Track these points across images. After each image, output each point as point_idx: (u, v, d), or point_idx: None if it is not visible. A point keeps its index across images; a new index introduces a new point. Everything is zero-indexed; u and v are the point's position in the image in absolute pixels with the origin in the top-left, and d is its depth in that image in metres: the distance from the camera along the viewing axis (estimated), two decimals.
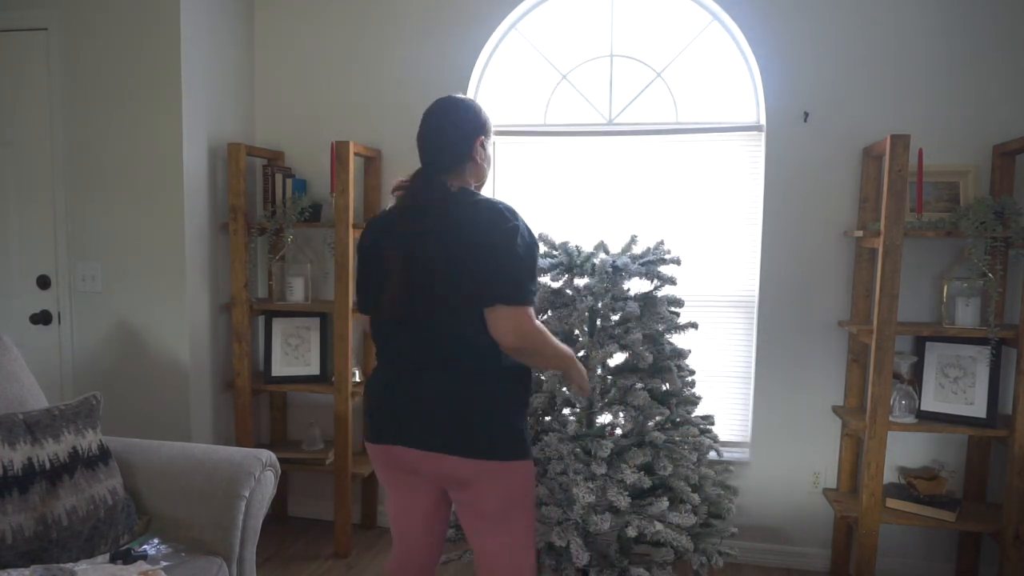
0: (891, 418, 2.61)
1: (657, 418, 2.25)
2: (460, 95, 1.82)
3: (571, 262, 2.35)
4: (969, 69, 2.71)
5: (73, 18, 2.84)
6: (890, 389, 2.50)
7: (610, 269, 2.28)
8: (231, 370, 3.18)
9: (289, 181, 3.10)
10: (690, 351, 2.38)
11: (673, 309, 2.37)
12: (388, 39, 3.16)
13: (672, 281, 2.32)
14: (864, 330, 2.59)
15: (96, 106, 2.86)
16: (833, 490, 2.91)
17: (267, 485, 2.14)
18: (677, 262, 2.33)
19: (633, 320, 2.29)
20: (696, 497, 2.21)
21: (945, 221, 2.58)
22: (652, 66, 3.03)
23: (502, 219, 1.64)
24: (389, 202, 2.04)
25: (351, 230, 2.87)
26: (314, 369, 3.18)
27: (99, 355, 2.96)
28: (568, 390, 2.25)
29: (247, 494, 2.05)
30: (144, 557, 1.89)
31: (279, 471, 2.20)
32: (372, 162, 3.16)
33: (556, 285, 2.40)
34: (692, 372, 2.42)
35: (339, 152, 2.83)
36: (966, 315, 2.59)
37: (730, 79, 2.98)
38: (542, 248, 2.40)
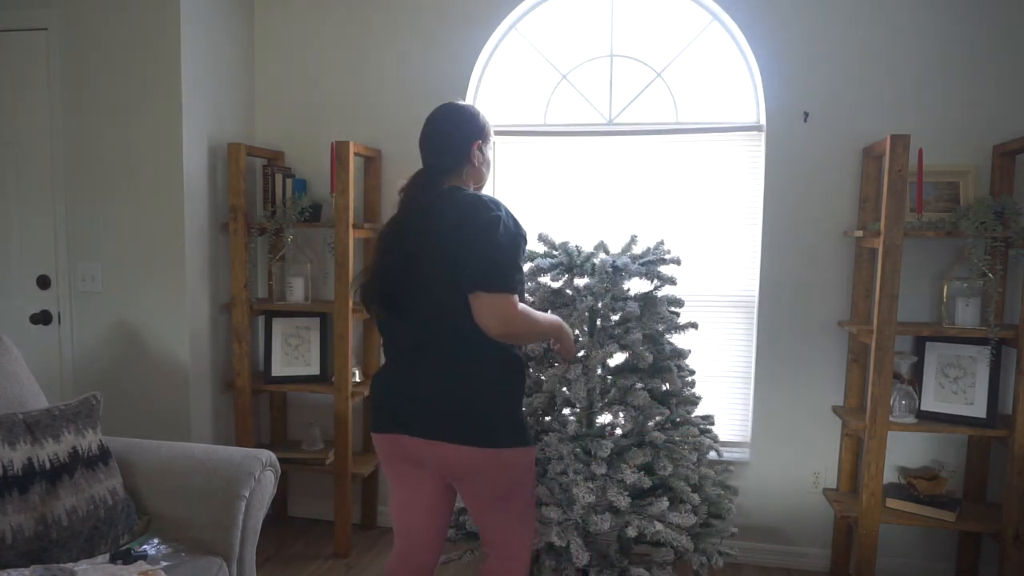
0: (891, 418, 2.61)
1: (657, 418, 2.25)
2: (460, 101, 1.91)
3: (571, 262, 2.35)
4: (969, 69, 2.71)
5: (73, 18, 2.84)
6: (890, 389, 2.50)
7: (610, 269, 2.28)
8: (231, 370, 3.18)
9: (289, 181, 3.10)
10: (690, 351, 2.38)
11: (673, 309, 2.37)
12: (388, 39, 3.16)
13: (672, 281, 2.31)
14: (864, 330, 2.59)
15: (96, 106, 2.86)
16: (833, 490, 2.91)
17: (267, 485, 2.14)
18: (677, 262, 2.33)
19: (633, 320, 2.29)
20: (696, 497, 2.21)
21: (945, 221, 2.58)
22: (652, 66, 3.03)
23: (484, 209, 1.71)
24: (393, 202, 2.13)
25: (351, 230, 2.87)
26: (314, 369, 3.18)
27: (99, 355, 2.96)
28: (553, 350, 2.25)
29: (247, 494, 2.05)
30: (144, 557, 1.89)
31: (279, 471, 2.20)
32: (372, 162, 3.16)
33: (556, 285, 2.40)
34: (692, 372, 2.41)
35: (339, 152, 2.83)
36: (966, 315, 2.59)
37: (730, 79, 2.98)
38: (542, 248, 2.41)
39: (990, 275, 2.57)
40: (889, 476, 2.86)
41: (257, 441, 3.37)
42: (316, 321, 3.20)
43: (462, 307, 1.69)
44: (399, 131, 3.17)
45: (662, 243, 2.39)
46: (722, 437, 3.00)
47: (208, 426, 3.05)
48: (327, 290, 3.29)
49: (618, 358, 2.34)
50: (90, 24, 2.84)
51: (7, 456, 1.82)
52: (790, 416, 2.95)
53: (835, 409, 2.86)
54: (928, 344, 2.71)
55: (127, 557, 1.87)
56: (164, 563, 1.88)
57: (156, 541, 1.98)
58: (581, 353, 2.26)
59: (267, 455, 2.14)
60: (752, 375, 2.99)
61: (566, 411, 2.34)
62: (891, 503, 2.65)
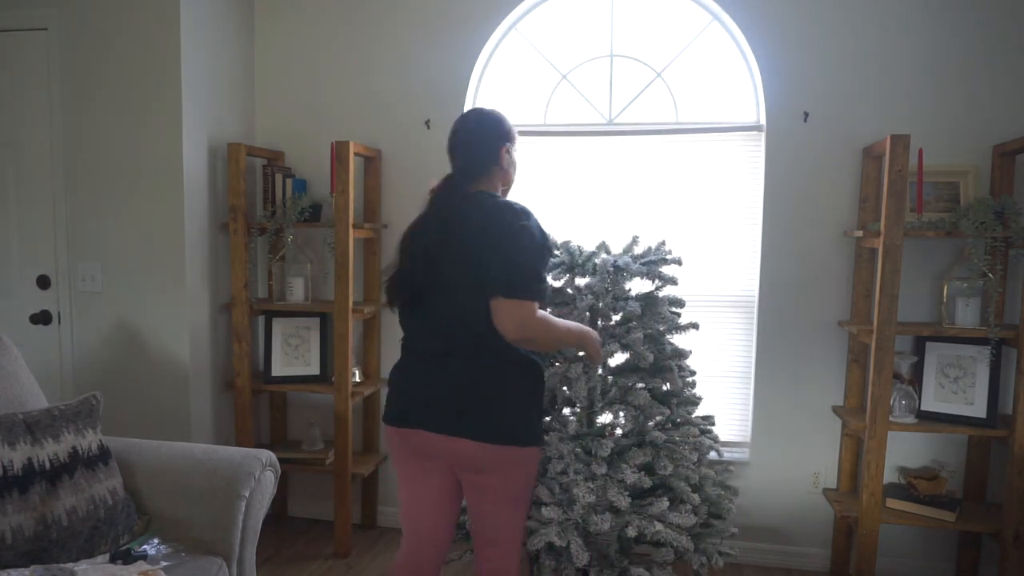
0: (891, 418, 2.61)
1: (658, 418, 2.25)
2: (486, 107, 1.97)
3: (572, 261, 2.35)
4: (969, 69, 2.71)
5: (73, 18, 2.84)
6: (890, 389, 2.50)
7: (611, 269, 2.28)
8: (231, 370, 3.18)
9: (289, 181, 3.10)
10: (691, 351, 2.38)
11: (674, 309, 2.37)
12: (388, 39, 3.16)
13: (673, 281, 2.32)
14: (864, 330, 2.59)
15: (96, 106, 2.86)
16: (833, 490, 2.91)
17: (267, 485, 2.14)
18: (678, 262, 2.33)
19: (634, 320, 2.29)
20: (696, 497, 2.21)
21: (945, 221, 2.58)
22: (652, 66, 3.03)
23: (512, 216, 1.76)
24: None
25: (351, 230, 2.87)
26: (314, 369, 3.18)
27: (99, 355, 2.95)
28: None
29: (247, 494, 2.05)
30: (144, 557, 1.89)
31: (279, 471, 2.20)
32: (372, 162, 3.16)
33: (557, 284, 2.40)
34: (693, 372, 2.41)
35: (339, 152, 2.83)
36: (966, 315, 2.59)
37: (730, 79, 2.98)
38: None
39: (990, 275, 2.57)
40: (889, 476, 2.86)
41: (257, 441, 3.36)
42: (316, 321, 3.20)
43: (483, 309, 1.73)
44: (399, 131, 3.17)
45: (663, 243, 2.39)
46: (722, 437, 3.00)
47: (208, 426, 3.05)
48: (327, 290, 3.29)
49: (619, 358, 2.34)
50: (90, 24, 2.84)
51: (7, 456, 1.82)
52: (790, 416, 2.95)
53: (835, 409, 2.86)
54: (928, 344, 2.71)
55: (127, 557, 1.86)
56: (164, 563, 1.88)
57: (156, 541, 1.98)
58: (581, 353, 2.26)
59: (267, 455, 2.14)
60: (752, 375, 2.99)
61: (566, 411, 2.34)
62: (891, 503, 2.65)
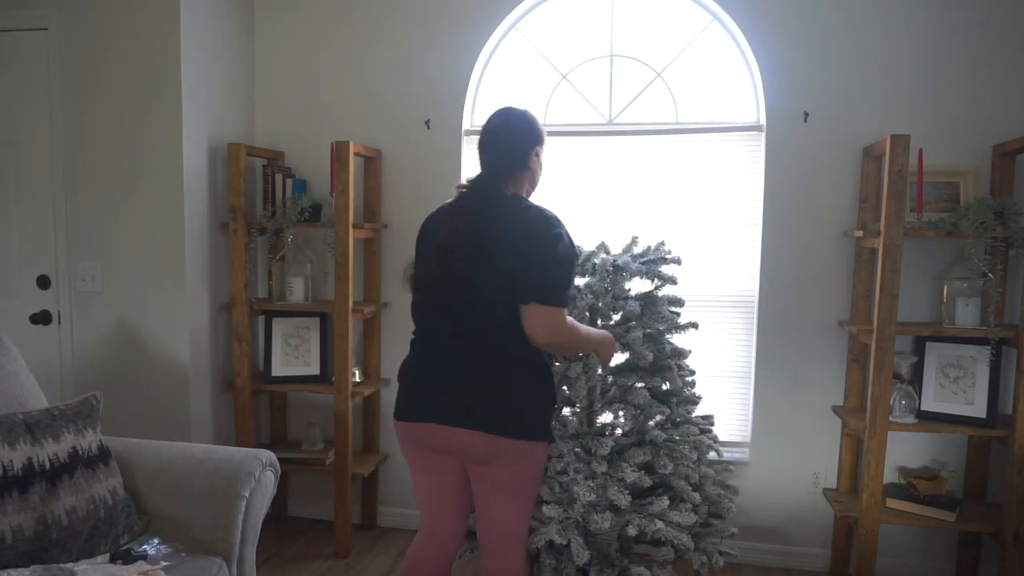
0: (891, 418, 2.61)
1: (657, 417, 2.25)
2: (518, 107, 1.98)
3: None
4: (969, 69, 2.71)
5: (73, 18, 2.84)
6: (890, 389, 2.50)
7: (611, 268, 2.28)
8: (231, 370, 3.18)
9: (289, 181, 3.10)
10: (690, 351, 2.38)
11: (673, 309, 2.37)
12: (388, 39, 3.16)
13: (673, 281, 2.32)
14: (864, 330, 2.59)
15: (96, 106, 2.86)
16: (833, 490, 2.91)
17: (267, 485, 2.14)
18: (678, 262, 2.33)
19: (634, 319, 2.29)
20: (696, 496, 2.21)
21: (945, 221, 2.58)
22: (652, 66, 3.04)
23: (548, 226, 1.82)
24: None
25: (351, 230, 2.87)
26: (314, 369, 3.18)
27: (99, 355, 2.95)
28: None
29: (247, 494, 2.05)
30: (144, 557, 1.89)
31: (279, 471, 2.20)
32: (372, 162, 3.16)
33: None
34: (692, 372, 2.41)
35: (339, 152, 2.83)
36: (966, 315, 2.59)
37: (730, 79, 2.98)
38: None
39: (990, 275, 2.57)
40: (889, 476, 2.86)
41: (257, 441, 3.36)
42: (316, 321, 3.20)
43: (507, 310, 1.80)
44: (399, 131, 3.18)
45: (663, 243, 2.39)
46: (722, 437, 3.01)
47: (208, 426, 3.05)
48: (327, 290, 3.29)
49: (618, 357, 2.34)
50: (90, 24, 2.84)
51: (7, 456, 1.82)
52: (790, 416, 2.95)
53: (835, 409, 2.86)
54: (928, 344, 2.71)
55: (127, 557, 1.86)
56: (164, 563, 1.88)
57: (156, 541, 1.98)
58: (581, 353, 2.26)
59: (267, 455, 2.14)
60: (752, 375, 2.99)
61: (566, 410, 2.34)
62: (891, 503, 2.65)
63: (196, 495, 2.04)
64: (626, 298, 2.29)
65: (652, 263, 2.32)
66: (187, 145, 2.84)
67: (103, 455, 2.01)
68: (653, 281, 2.33)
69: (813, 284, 2.89)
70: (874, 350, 2.48)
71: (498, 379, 1.83)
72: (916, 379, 2.72)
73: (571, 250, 1.85)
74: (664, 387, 2.33)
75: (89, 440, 2.00)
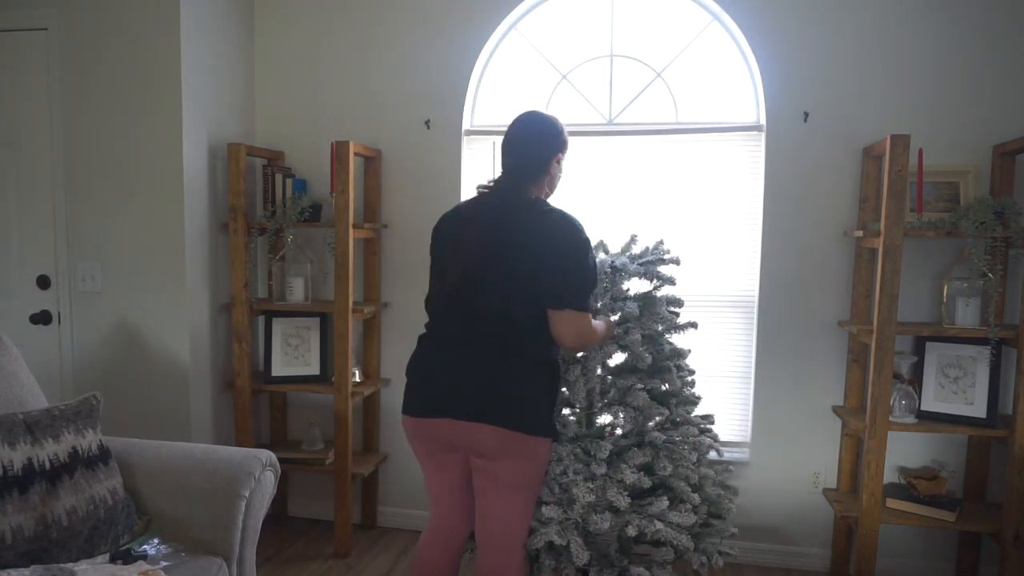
0: (891, 418, 2.61)
1: (657, 418, 2.25)
2: (544, 112, 2.03)
3: None
4: (969, 69, 2.71)
5: (73, 18, 2.84)
6: (890, 389, 2.50)
7: (609, 269, 2.28)
8: (231, 370, 3.18)
9: (289, 181, 3.10)
10: (690, 351, 2.38)
11: (673, 309, 2.37)
12: (388, 39, 3.16)
13: (671, 281, 2.31)
14: (864, 330, 2.58)
15: (96, 106, 2.86)
16: (833, 490, 2.91)
17: (267, 485, 2.14)
18: (676, 262, 2.33)
19: (632, 320, 2.29)
20: (696, 497, 2.21)
21: (945, 221, 2.58)
22: (652, 66, 3.03)
23: (576, 232, 1.88)
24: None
25: (351, 230, 2.87)
26: (314, 369, 3.18)
27: (99, 355, 2.96)
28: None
29: (247, 494, 2.05)
30: (144, 557, 1.89)
31: (279, 471, 2.20)
32: (372, 162, 3.16)
33: None
34: (692, 372, 2.41)
35: (339, 152, 2.83)
36: (966, 315, 2.59)
37: (730, 79, 2.97)
38: None
39: (990, 275, 2.57)
40: (889, 476, 2.86)
41: (257, 441, 3.37)
42: (316, 321, 3.20)
43: (524, 312, 1.84)
44: (399, 131, 3.18)
45: (661, 243, 2.39)
46: (722, 437, 3.00)
47: (208, 426, 3.05)
48: (327, 290, 3.29)
49: (617, 358, 2.34)
50: (90, 24, 2.84)
51: (7, 456, 1.82)
52: (790, 416, 2.95)
53: (835, 409, 2.86)
54: (928, 344, 2.71)
55: (127, 557, 1.87)
56: (164, 563, 1.88)
57: (156, 541, 1.98)
58: (580, 354, 2.26)
59: (267, 455, 2.14)
60: (752, 375, 2.99)
61: (566, 412, 2.34)
62: (891, 503, 2.65)
63: (196, 495, 2.04)
64: (624, 299, 2.29)
65: (650, 263, 2.31)
66: (187, 145, 2.84)
67: (103, 455, 2.01)
68: (652, 281, 2.33)
69: (813, 284, 2.89)
70: (874, 350, 2.48)
71: (511, 377, 1.86)
72: (916, 379, 2.71)
73: (593, 255, 1.92)
74: (663, 388, 2.33)
75: (89, 440, 2.00)
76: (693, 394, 2.38)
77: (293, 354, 3.18)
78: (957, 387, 2.64)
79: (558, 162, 2.00)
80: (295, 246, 3.25)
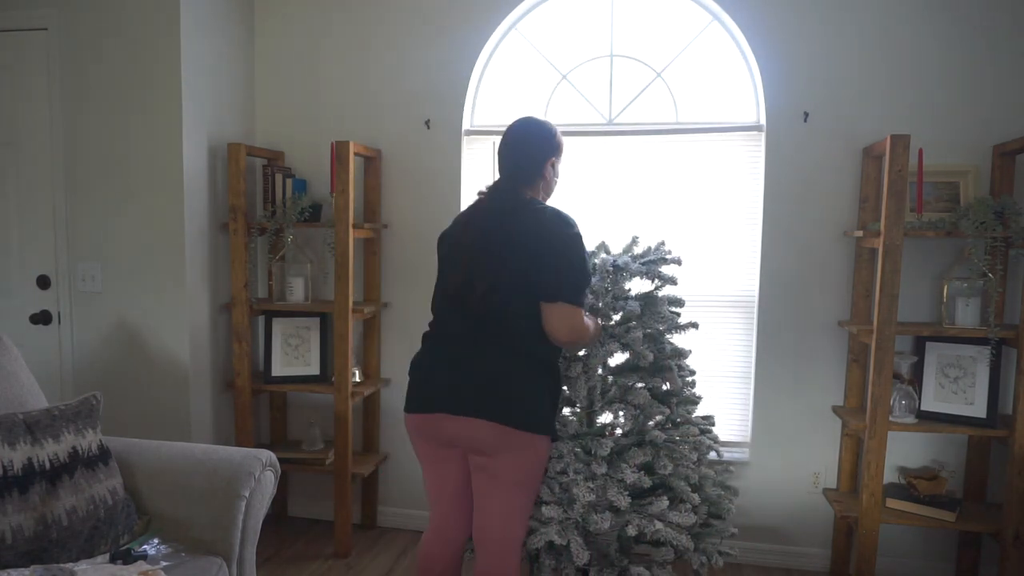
0: (891, 418, 2.61)
1: (657, 417, 2.25)
2: (539, 117, 2.07)
3: None
4: (969, 69, 2.71)
5: (73, 18, 2.84)
6: (890, 389, 2.50)
7: (611, 268, 2.28)
8: (231, 370, 3.18)
9: (289, 181, 3.10)
10: (691, 351, 2.38)
11: (674, 309, 2.37)
12: (388, 39, 3.16)
13: (673, 281, 2.32)
14: (864, 330, 2.59)
15: (96, 106, 2.86)
16: (833, 490, 2.91)
17: (267, 485, 2.14)
18: (678, 262, 2.33)
19: (634, 319, 2.29)
20: (696, 497, 2.21)
21: (945, 221, 2.58)
22: (652, 66, 3.03)
23: (568, 227, 1.90)
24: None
25: (351, 230, 2.87)
26: (314, 369, 3.18)
27: (99, 355, 2.95)
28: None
29: (247, 494, 2.05)
30: (144, 557, 1.89)
31: (279, 471, 2.20)
32: (372, 162, 3.16)
33: None
34: (692, 372, 2.41)
35: (339, 152, 2.83)
36: (966, 315, 2.59)
37: (730, 79, 2.98)
38: None
39: (990, 275, 2.57)
40: (889, 476, 2.86)
41: (257, 441, 3.36)
42: (316, 321, 3.20)
43: (521, 309, 1.87)
44: (399, 131, 3.18)
45: (663, 243, 2.39)
46: (722, 437, 3.01)
47: (208, 426, 3.05)
48: (327, 290, 3.29)
49: (619, 358, 2.34)
50: (90, 24, 2.84)
51: (7, 456, 1.82)
52: (790, 416, 2.95)
53: (835, 409, 2.86)
54: (928, 344, 2.71)
55: (127, 557, 1.86)
56: (164, 563, 1.88)
57: (156, 541, 1.98)
58: (582, 352, 2.26)
59: (267, 455, 2.14)
60: (752, 375, 2.99)
61: (566, 410, 2.34)
62: (891, 503, 2.65)
63: (196, 495, 2.04)
64: (626, 298, 2.29)
65: (652, 263, 2.31)
66: (187, 145, 2.84)
67: (103, 455, 2.01)
68: (653, 281, 2.33)
69: (813, 284, 2.89)
70: (874, 350, 2.48)
71: (509, 374, 1.88)
72: (916, 379, 2.72)
73: (585, 252, 1.92)
74: (664, 387, 2.33)
75: (89, 440, 2.00)
76: (694, 394, 2.38)
77: (293, 354, 3.18)
78: (957, 387, 2.64)
79: (552, 166, 2.04)
80: (295, 246, 3.25)
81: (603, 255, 2.38)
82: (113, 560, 1.87)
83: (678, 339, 2.43)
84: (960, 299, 2.60)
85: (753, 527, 3.01)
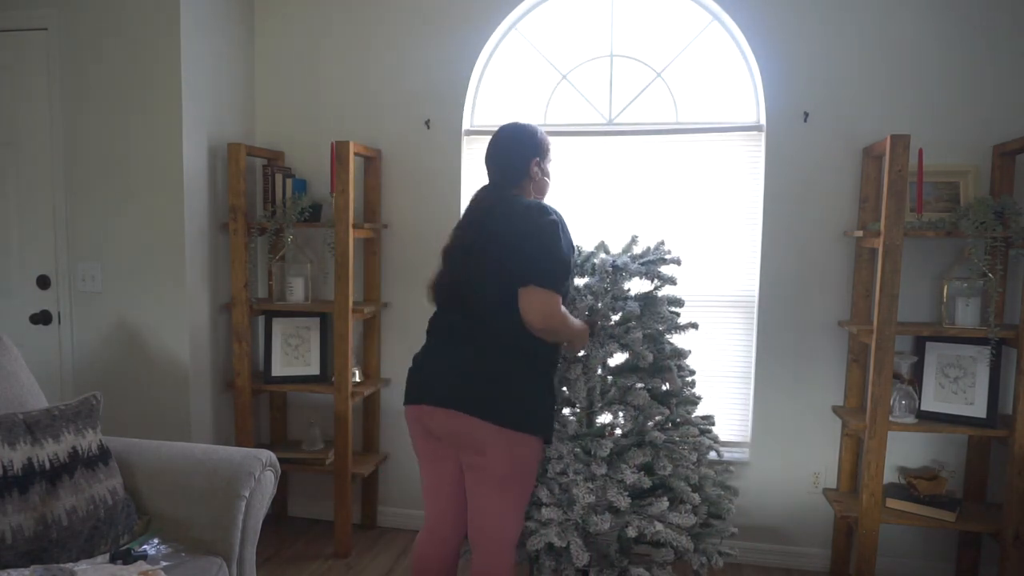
0: (891, 418, 2.61)
1: (657, 418, 2.25)
2: (522, 122, 2.10)
3: (571, 262, 2.35)
4: (969, 69, 2.71)
5: (73, 18, 2.84)
6: (890, 389, 2.50)
7: (610, 269, 2.28)
8: (231, 370, 3.18)
9: (289, 181, 3.10)
10: (690, 351, 2.38)
11: (673, 309, 2.37)
12: (388, 39, 3.16)
13: (672, 281, 2.32)
14: (864, 330, 2.59)
15: (96, 106, 2.86)
16: (833, 490, 2.91)
17: (267, 485, 2.14)
18: (677, 262, 2.33)
19: (633, 320, 2.29)
20: (696, 497, 2.21)
21: (945, 221, 2.58)
22: (652, 66, 3.03)
23: (543, 215, 1.91)
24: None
25: (351, 230, 2.87)
26: (314, 369, 3.18)
27: (99, 355, 2.96)
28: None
29: (247, 494, 2.05)
30: (144, 557, 1.89)
31: (279, 471, 2.20)
32: (372, 162, 3.16)
33: None
34: (692, 372, 2.41)
35: (339, 152, 2.83)
36: (966, 315, 2.59)
37: (730, 79, 2.97)
38: None
39: (990, 275, 2.57)
40: (889, 476, 2.86)
41: (257, 441, 3.37)
42: (316, 321, 3.20)
43: (506, 302, 1.87)
44: (399, 131, 3.18)
45: (662, 243, 2.39)
46: (722, 437, 3.00)
47: (208, 426, 3.05)
48: (327, 290, 3.29)
49: (618, 358, 2.34)
50: (90, 24, 2.84)
51: (7, 456, 1.82)
52: (790, 416, 2.95)
53: (835, 409, 2.86)
54: (928, 344, 2.71)
55: (127, 557, 1.87)
56: (164, 563, 1.88)
57: (156, 541, 1.98)
58: (581, 353, 2.26)
59: (267, 455, 2.14)
60: (752, 375, 2.99)
61: (566, 411, 2.34)
62: (891, 503, 2.65)
63: (196, 495, 2.04)
64: (625, 298, 2.29)
65: (651, 263, 2.31)
66: (187, 145, 2.84)
67: (103, 455, 2.01)
68: (653, 281, 2.33)
69: (813, 284, 2.89)
70: (874, 350, 2.48)
71: (494, 369, 1.90)
72: (916, 379, 2.71)
73: (568, 241, 1.93)
74: (664, 388, 2.33)
75: (89, 440, 2.00)
76: (693, 394, 2.38)
77: (293, 354, 3.18)
78: (957, 387, 2.64)
79: (538, 166, 2.06)
80: (295, 246, 3.25)
81: (602, 255, 2.38)
82: (113, 560, 1.87)
83: (678, 339, 2.43)
84: (960, 299, 2.60)
85: (753, 527, 3.01)
